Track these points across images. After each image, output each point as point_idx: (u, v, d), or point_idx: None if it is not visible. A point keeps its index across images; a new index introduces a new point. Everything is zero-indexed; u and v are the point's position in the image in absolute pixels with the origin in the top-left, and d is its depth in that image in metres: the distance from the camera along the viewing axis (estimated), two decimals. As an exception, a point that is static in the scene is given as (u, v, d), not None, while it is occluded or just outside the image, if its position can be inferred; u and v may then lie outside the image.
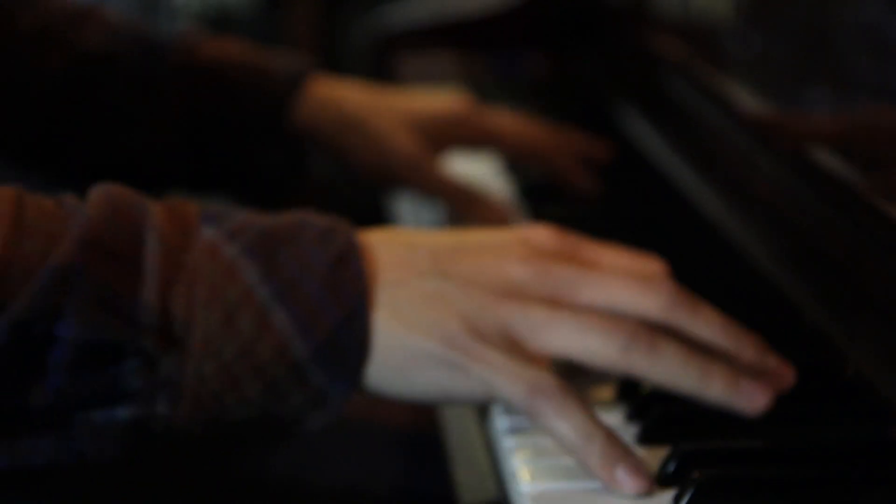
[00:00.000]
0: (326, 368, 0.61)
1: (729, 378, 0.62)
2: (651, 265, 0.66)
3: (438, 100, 1.01)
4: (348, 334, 0.61)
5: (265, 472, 0.80)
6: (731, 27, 0.92)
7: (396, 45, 1.40)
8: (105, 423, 0.60)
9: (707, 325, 0.63)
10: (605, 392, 0.68)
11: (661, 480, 0.60)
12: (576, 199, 1.00)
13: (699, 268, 0.85)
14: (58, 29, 0.99)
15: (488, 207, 0.95)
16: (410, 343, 0.62)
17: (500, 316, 0.62)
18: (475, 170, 1.12)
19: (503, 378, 0.61)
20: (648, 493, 0.59)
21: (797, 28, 0.80)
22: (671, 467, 0.60)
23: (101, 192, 0.62)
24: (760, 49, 0.86)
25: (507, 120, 1.01)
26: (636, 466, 0.59)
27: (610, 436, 0.60)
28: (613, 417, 0.66)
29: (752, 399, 0.62)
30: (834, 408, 0.65)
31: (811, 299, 0.75)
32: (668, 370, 0.61)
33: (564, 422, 0.60)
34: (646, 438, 0.64)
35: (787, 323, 0.75)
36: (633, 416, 0.66)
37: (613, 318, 0.62)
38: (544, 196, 1.02)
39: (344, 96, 0.99)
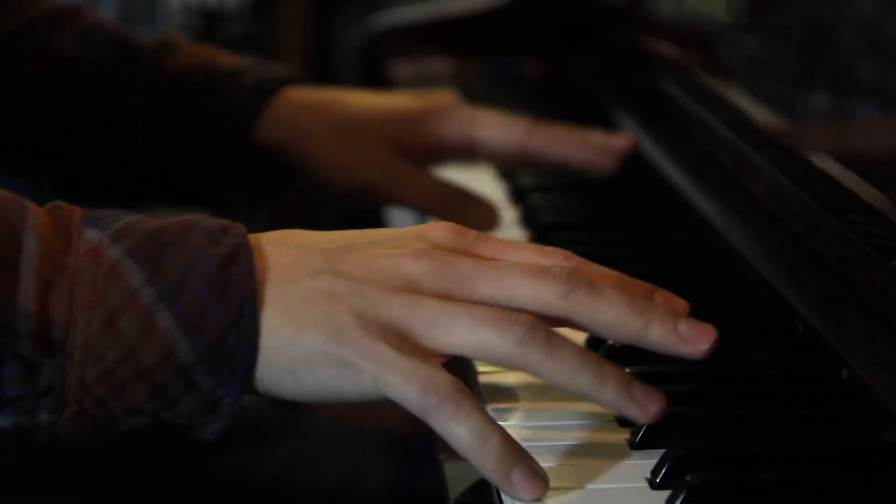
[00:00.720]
0: (215, 371, 0.59)
1: (621, 382, 0.59)
2: (552, 257, 0.64)
3: (409, 106, 0.95)
4: (236, 336, 0.59)
5: (255, 472, 0.79)
6: (726, 30, 0.91)
7: (386, 48, 1.39)
8: None
9: (608, 306, 0.61)
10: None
11: (654, 484, 0.59)
12: (571, 205, 0.99)
13: (694, 270, 0.85)
14: (36, 32, 0.97)
15: (480, 207, 0.92)
16: (299, 341, 0.60)
17: (393, 311, 0.60)
18: (468, 176, 1.12)
19: (395, 376, 0.59)
20: (546, 496, 0.58)
21: (793, 31, 0.79)
22: (664, 471, 0.59)
23: None
24: (756, 52, 0.86)
25: (483, 113, 0.95)
26: (533, 469, 0.57)
27: (507, 438, 0.58)
28: (606, 422, 0.64)
29: (644, 406, 0.59)
30: (829, 411, 0.65)
31: (807, 303, 0.75)
32: (563, 368, 0.59)
33: (459, 424, 0.58)
34: (639, 444, 0.62)
35: (783, 326, 0.75)
36: (625, 421, 0.64)
37: (510, 311, 0.60)
38: (538, 197, 1.00)
39: (314, 111, 0.95)
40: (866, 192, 0.70)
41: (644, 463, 0.60)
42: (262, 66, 0.97)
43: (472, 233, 0.64)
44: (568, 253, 0.64)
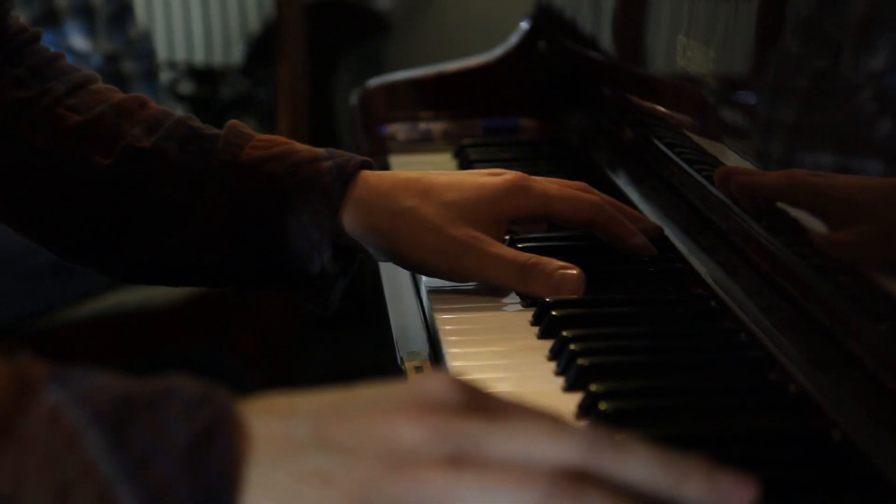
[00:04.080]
0: None
1: None
2: (564, 416, 0.57)
3: (487, 184, 0.95)
4: None
5: None
6: (718, 88, 0.92)
7: (383, 109, 1.40)
8: None
9: (636, 463, 0.55)
10: None
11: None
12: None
13: (688, 328, 0.85)
14: (107, 122, 0.97)
15: (550, 267, 0.91)
16: None
17: (395, 492, 0.54)
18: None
19: None
20: None
21: (788, 86, 0.80)
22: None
23: None
24: (749, 108, 0.86)
25: (556, 190, 0.97)
26: None
27: None
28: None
29: None
30: (820, 474, 0.65)
31: (799, 362, 0.75)
32: None
33: None
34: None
35: (774, 386, 0.75)
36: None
37: (527, 470, 0.54)
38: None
39: (398, 191, 0.95)
40: (855, 252, 0.71)
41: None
42: (337, 153, 0.97)
43: (475, 388, 0.58)
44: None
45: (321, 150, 0.98)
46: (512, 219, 0.96)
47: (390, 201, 0.94)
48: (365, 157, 0.97)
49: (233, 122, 1.00)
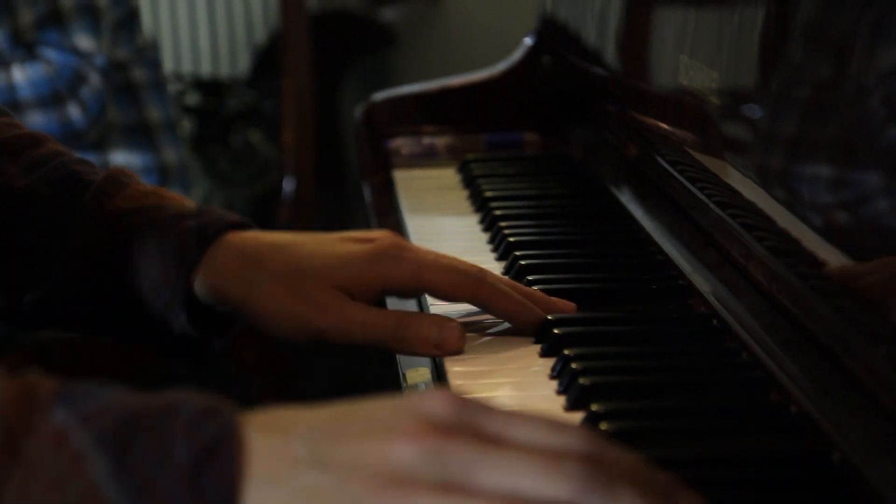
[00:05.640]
0: None
1: None
2: (567, 437, 0.57)
3: (354, 252, 0.90)
4: None
5: None
6: (721, 104, 0.92)
7: (387, 123, 1.41)
8: None
9: None
10: None
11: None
12: (564, 277, 0.99)
13: (690, 347, 0.86)
14: None
15: (429, 325, 0.88)
16: None
17: None
18: (461, 226, 1.13)
19: None
20: None
21: (789, 104, 0.80)
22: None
23: None
24: (750, 125, 0.87)
25: (432, 261, 0.90)
26: None
27: None
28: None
29: None
30: (819, 496, 0.65)
31: (800, 383, 0.75)
32: None
33: None
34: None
35: (775, 407, 0.75)
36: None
37: (515, 501, 0.54)
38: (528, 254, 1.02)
39: (256, 257, 0.90)
40: (856, 274, 0.71)
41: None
42: (207, 211, 0.94)
43: (474, 405, 0.58)
44: (586, 432, 0.58)
45: (192, 208, 0.94)
46: (381, 289, 0.90)
47: (246, 269, 0.90)
48: (238, 219, 0.93)
49: (116, 168, 0.97)
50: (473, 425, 0.57)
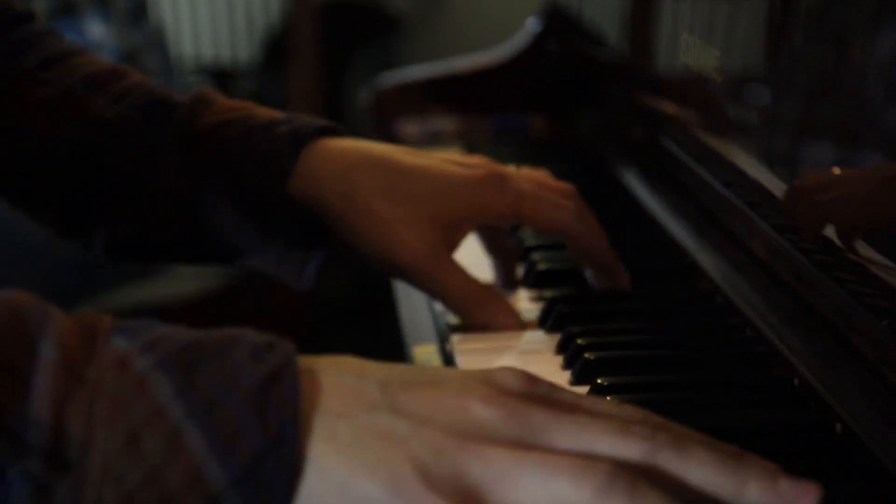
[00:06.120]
0: (247, 499, 0.53)
1: None
2: (633, 411, 0.58)
3: (457, 176, 0.88)
4: (274, 463, 0.53)
5: None
6: (725, 85, 0.93)
7: (394, 107, 1.41)
8: None
9: (698, 466, 0.55)
10: None
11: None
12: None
13: (694, 323, 0.86)
14: (76, 96, 0.94)
15: (500, 312, 0.87)
16: (350, 485, 0.53)
17: (458, 463, 0.54)
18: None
19: None
20: None
21: (795, 83, 0.81)
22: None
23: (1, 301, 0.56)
24: (757, 106, 0.87)
25: (533, 190, 0.89)
26: None
27: None
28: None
29: None
30: (824, 465, 0.66)
31: (803, 357, 0.76)
32: None
33: None
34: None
35: (779, 380, 0.76)
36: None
37: (586, 459, 0.54)
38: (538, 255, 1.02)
39: (356, 169, 0.87)
40: (858, 250, 0.72)
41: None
42: (297, 118, 0.91)
43: (546, 382, 0.59)
44: (647, 412, 0.58)
45: (281, 115, 0.91)
46: (480, 218, 0.89)
47: (344, 181, 0.87)
48: (327, 123, 0.90)
49: (201, 89, 0.95)
50: (544, 396, 0.58)
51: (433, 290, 0.87)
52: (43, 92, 0.94)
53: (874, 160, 0.71)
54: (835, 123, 0.74)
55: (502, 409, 0.56)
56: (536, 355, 0.83)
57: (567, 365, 0.80)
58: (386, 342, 1.13)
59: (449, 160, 0.89)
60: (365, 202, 0.86)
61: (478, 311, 0.86)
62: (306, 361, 0.57)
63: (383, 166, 0.87)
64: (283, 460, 0.53)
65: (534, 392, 0.58)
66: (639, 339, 0.83)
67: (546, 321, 0.88)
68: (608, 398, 0.72)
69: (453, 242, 0.89)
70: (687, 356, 0.80)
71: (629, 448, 0.55)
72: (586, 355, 0.79)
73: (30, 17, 1.00)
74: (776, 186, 0.82)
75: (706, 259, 0.95)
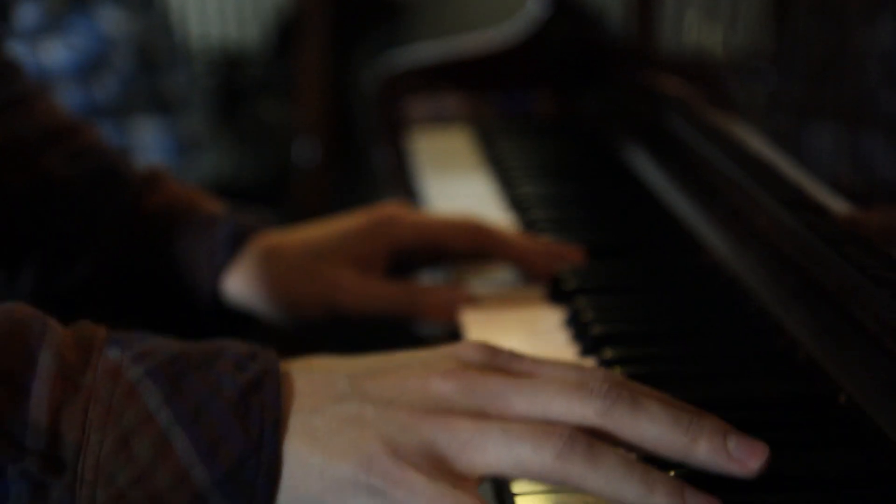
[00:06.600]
0: (231, 498, 0.58)
1: (671, 488, 0.57)
2: (591, 374, 0.60)
3: (359, 219, 0.94)
4: (255, 463, 0.58)
5: None
6: (729, 64, 0.93)
7: (401, 86, 1.42)
8: None
9: (651, 421, 0.58)
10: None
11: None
12: (577, 228, 1.01)
13: (699, 298, 0.87)
14: (29, 147, 0.97)
15: (432, 296, 0.89)
16: (328, 470, 0.58)
17: (423, 435, 0.58)
18: (476, 185, 1.15)
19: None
20: None
21: (798, 63, 0.81)
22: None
23: (1, 312, 0.60)
24: (762, 85, 0.88)
25: (433, 218, 0.95)
26: None
27: None
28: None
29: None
30: (826, 436, 0.67)
31: (807, 330, 0.77)
32: (608, 478, 0.56)
33: None
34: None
35: (783, 353, 0.77)
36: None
37: (546, 424, 0.58)
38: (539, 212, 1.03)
39: (270, 256, 0.94)
40: (861, 223, 0.72)
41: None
42: (235, 216, 0.96)
43: (506, 352, 0.62)
44: (607, 372, 0.61)
45: (222, 213, 0.97)
46: (388, 253, 0.92)
47: (264, 266, 0.93)
48: (263, 221, 0.97)
49: (153, 165, 1.00)
50: (504, 366, 0.62)
51: (370, 307, 0.90)
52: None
53: (878, 137, 0.72)
54: (838, 101, 0.75)
55: (461, 381, 0.60)
56: (544, 328, 0.84)
57: (575, 338, 0.81)
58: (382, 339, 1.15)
59: (357, 214, 0.95)
60: (284, 277, 0.92)
61: (416, 298, 0.89)
62: (283, 366, 0.61)
63: (298, 241, 0.94)
64: (264, 461, 0.58)
65: (493, 362, 0.62)
66: (646, 313, 0.84)
67: (554, 294, 0.89)
68: (614, 370, 0.74)
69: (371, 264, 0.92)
70: (693, 329, 0.81)
71: (584, 406, 0.58)
72: (594, 329, 0.79)
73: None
74: (781, 163, 0.82)
75: (711, 234, 0.95)
